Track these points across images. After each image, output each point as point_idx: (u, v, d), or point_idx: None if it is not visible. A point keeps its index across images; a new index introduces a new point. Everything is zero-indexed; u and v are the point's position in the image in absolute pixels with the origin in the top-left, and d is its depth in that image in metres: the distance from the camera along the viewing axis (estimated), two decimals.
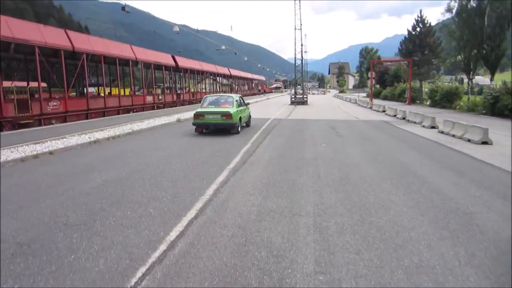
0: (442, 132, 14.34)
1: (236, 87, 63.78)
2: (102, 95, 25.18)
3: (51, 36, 15.90)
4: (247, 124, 15.56)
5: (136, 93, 29.14)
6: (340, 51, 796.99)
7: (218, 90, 52.41)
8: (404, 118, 21.21)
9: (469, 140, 11.75)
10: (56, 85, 26.01)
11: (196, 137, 12.87)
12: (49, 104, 15.86)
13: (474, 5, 27.38)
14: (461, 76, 75.52)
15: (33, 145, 9.94)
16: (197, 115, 13.08)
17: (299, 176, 7.08)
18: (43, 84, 27.73)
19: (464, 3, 28.18)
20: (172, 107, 29.04)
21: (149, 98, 25.57)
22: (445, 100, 29.80)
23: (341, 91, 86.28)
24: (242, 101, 14.87)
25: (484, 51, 27.03)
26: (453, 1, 29.81)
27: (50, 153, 9.24)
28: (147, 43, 38.17)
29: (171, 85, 32.33)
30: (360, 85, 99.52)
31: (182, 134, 13.87)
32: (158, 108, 26.41)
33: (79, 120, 16.92)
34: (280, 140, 12.11)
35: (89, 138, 11.59)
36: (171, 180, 6.75)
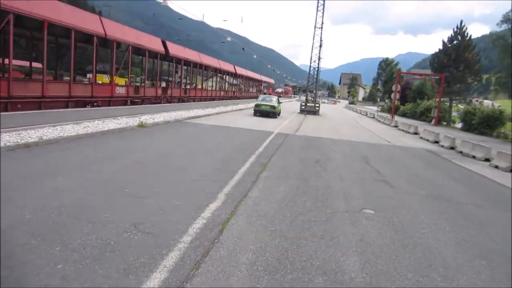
0: None
1: (243, 88, 58.11)
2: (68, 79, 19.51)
3: None
4: (279, 114, 23.81)
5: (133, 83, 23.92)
6: (352, 63, 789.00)
7: (225, 89, 46.28)
8: (452, 148, 15.70)
9: None
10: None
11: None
12: None
13: None
14: (470, 98, 69.28)
15: None
16: (257, 105, 22.38)
17: None
18: (39, 65, 21.94)
19: None
20: (154, 103, 23.44)
21: (121, 90, 19.86)
22: (485, 125, 25.05)
23: (352, 103, 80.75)
24: (278, 100, 24.30)
25: None
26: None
27: None
28: (161, 35, 33.11)
29: (160, 76, 26.71)
30: (370, 98, 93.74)
31: (107, 152, 8.37)
32: (134, 103, 20.80)
33: None
34: (282, 188, 6.40)
35: None
36: None
